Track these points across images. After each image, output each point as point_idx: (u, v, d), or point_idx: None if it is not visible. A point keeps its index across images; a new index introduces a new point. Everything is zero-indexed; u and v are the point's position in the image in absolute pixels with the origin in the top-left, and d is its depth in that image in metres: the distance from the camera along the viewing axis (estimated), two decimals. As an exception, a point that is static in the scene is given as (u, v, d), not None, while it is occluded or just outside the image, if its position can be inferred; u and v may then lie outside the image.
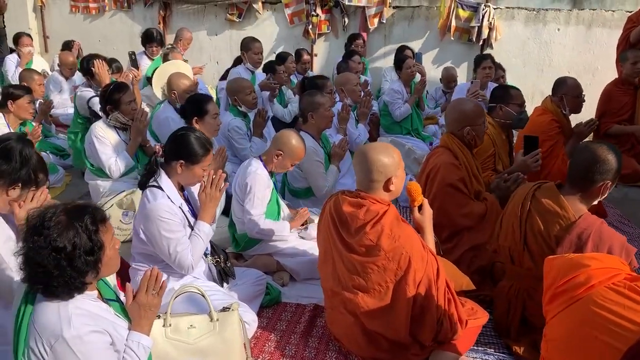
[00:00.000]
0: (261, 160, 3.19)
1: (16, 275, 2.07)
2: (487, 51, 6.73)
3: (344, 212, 2.36)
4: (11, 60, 6.74)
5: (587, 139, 4.18)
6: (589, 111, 4.52)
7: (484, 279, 2.97)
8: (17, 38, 6.82)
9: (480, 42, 6.88)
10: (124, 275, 2.54)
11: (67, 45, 7.00)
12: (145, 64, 6.05)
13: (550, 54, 6.85)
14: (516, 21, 6.85)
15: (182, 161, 2.52)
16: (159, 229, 2.41)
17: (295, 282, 3.19)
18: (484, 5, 6.71)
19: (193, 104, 3.60)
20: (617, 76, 5.30)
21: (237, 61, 6.16)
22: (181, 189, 2.63)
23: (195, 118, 3.53)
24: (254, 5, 7.58)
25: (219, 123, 3.67)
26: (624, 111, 5.07)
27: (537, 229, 2.42)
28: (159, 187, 2.49)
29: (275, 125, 5.05)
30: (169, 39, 7.23)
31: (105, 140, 3.76)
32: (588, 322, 1.61)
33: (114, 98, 3.74)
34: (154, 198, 2.44)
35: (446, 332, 2.31)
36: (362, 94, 4.81)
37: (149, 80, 5.41)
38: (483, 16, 6.71)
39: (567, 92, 3.87)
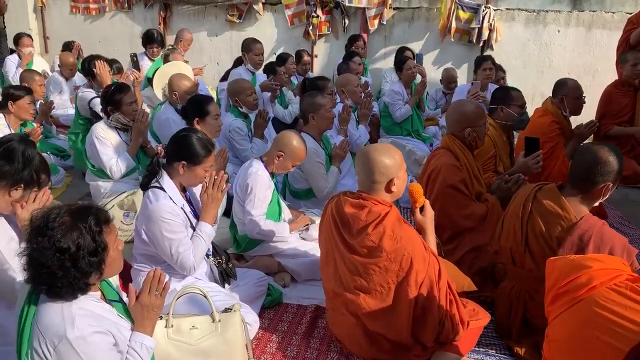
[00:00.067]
0: (262, 161, 3.20)
1: (18, 275, 2.08)
2: (488, 52, 6.74)
3: (345, 213, 2.36)
4: (12, 61, 6.75)
5: (587, 141, 4.19)
6: (589, 113, 4.53)
7: (485, 280, 2.97)
8: (18, 39, 6.82)
9: (481, 44, 6.89)
10: (125, 276, 2.54)
11: (68, 46, 7.01)
12: (145, 65, 6.06)
13: (550, 56, 6.86)
14: (516, 22, 6.86)
15: (184, 162, 2.52)
16: (161, 230, 2.41)
17: (296, 283, 3.19)
18: (484, 7, 6.71)
19: (194, 105, 3.61)
20: (617, 78, 5.30)
21: (237, 62, 6.17)
22: (183, 189, 2.63)
23: (197, 119, 3.54)
24: (254, 7, 7.59)
25: (220, 124, 3.68)
26: (624, 113, 5.07)
27: (539, 230, 2.43)
28: (161, 188, 2.49)
29: (275, 126, 5.06)
30: (169, 39, 7.23)
31: (106, 141, 3.76)
32: (590, 323, 1.62)
33: (115, 99, 3.74)
34: (156, 199, 2.44)
35: (448, 333, 2.31)
36: (363, 95, 4.82)
37: (149, 81, 5.42)
38: (483, 17, 6.72)
39: (567, 94, 3.88)
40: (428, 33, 7.17)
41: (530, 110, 4.01)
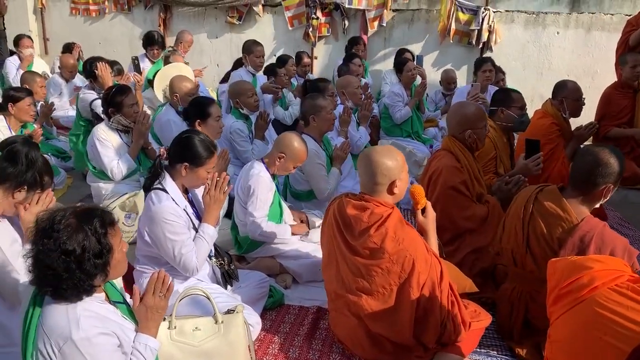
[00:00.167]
0: (263, 163, 3.21)
1: (22, 277, 2.09)
2: (487, 54, 6.76)
3: (347, 215, 2.37)
4: (12, 62, 6.76)
5: (587, 142, 4.20)
6: (588, 114, 4.55)
7: (486, 281, 2.98)
8: (18, 40, 6.83)
9: (480, 45, 6.92)
10: (128, 278, 2.55)
11: (68, 48, 7.01)
12: (146, 66, 6.07)
13: (549, 57, 6.88)
14: (516, 24, 6.88)
15: (186, 164, 2.53)
16: (163, 232, 2.42)
17: (297, 285, 3.20)
18: (484, 9, 6.74)
19: (196, 107, 3.62)
20: (616, 79, 5.32)
21: (237, 64, 6.18)
22: (185, 191, 2.64)
23: (198, 121, 3.54)
24: (254, 8, 7.61)
25: (221, 126, 3.69)
26: (623, 114, 5.09)
27: (540, 232, 2.44)
28: (164, 190, 2.50)
29: (276, 128, 5.07)
30: (169, 41, 7.25)
31: (107, 142, 3.76)
32: (592, 323, 1.63)
33: (117, 101, 3.75)
34: (159, 200, 2.45)
35: (450, 334, 2.32)
36: (363, 96, 4.83)
37: (150, 82, 5.42)
38: (483, 19, 6.75)
39: (567, 96, 3.90)
40: (428, 35, 7.20)
41: (529, 112, 4.03)
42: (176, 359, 2.14)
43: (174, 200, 2.49)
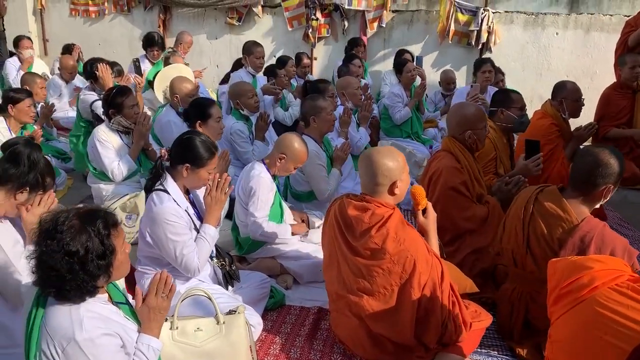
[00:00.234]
0: (264, 164, 3.21)
1: (24, 278, 2.09)
2: (486, 55, 6.78)
3: (349, 216, 2.38)
4: (12, 63, 6.76)
5: (586, 143, 4.21)
6: (587, 115, 4.56)
7: (486, 281, 2.99)
8: (18, 41, 6.83)
9: (480, 46, 6.93)
10: (129, 279, 2.55)
11: (68, 49, 7.02)
12: (146, 67, 6.07)
13: (548, 58, 6.90)
14: (515, 25, 6.90)
15: (187, 165, 2.53)
16: (165, 232, 2.42)
17: (298, 285, 3.21)
18: (483, 9, 6.76)
19: (196, 108, 3.62)
20: (615, 80, 5.34)
21: (236, 64, 6.19)
22: (186, 192, 2.65)
23: (199, 122, 3.55)
24: (254, 9, 7.62)
25: (222, 127, 3.69)
26: (622, 115, 5.10)
27: (540, 232, 2.45)
28: (165, 191, 2.50)
29: (276, 129, 5.08)
30: (169, 42, 7.26)
31: (108, 144, 3.77)
32: (592, 323, 1.63)
33: (117, 102, 3.75)
34: (160, 201, 2.45)
35: (451, 335, 2.33)
36: (363, 97, 4.84)
37: (150, 83, 5.43)
38: (482, 20, 6.76)
39: (566, 96, 3.91)
40: (427, 35, 7.21)
41: (529, 113, 4.04)
42: (178, 359, 2.15)
43: (175, 201, 2.49)
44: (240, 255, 3.35)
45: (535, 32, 6.85)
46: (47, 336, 1.61)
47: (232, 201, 3.41)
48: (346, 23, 7.35)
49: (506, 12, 6.90)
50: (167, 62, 5.69)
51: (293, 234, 3.31)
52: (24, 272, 2.11)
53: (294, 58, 6.32)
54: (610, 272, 1.72)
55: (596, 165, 2.32)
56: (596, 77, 6.63)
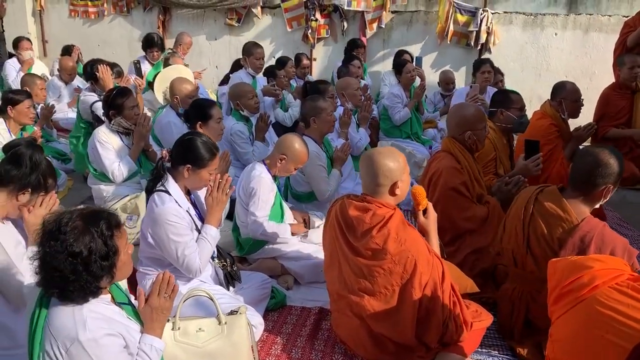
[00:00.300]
0: (264, 164, 3.22)
1: (26, 279, 2.10)
2: (485, 55, 6.79)
3: (350, 216, 2.39)
4: (11, 65, 6.75)
5: (585, 143, 4.23)
6: (586, 115, 4.57)
7: (486, 281, 3.00)
8: (17, 42, 6.82)
9: (479, 47, 6.95)
10: (131, 279, 2.55)
11: (67, 50, 7.01)
12: (145, 68, 6.08)
13: (547, 59, 6.92)
14: (514, 26, 6.92)
15: (189, 165, 2.54)
16: (167, 233, 2.43)
17: (299, 286, 3.21)
18: (482, 10, 6.77)
19: (197, 109, 3.63)
20: (614, 80, 5.35)
21: (235, 65, 6.20)
22: (188, 193, 2.66)
23: (200, 123, 3.56)
24: (253, 10, 7.63)
25: (222, 127, 3.70)
26: (621, 115, 5.12)
27: (540, 232, 2.46)
28: (167, 192, 2.51)
29: (276, 130, 5.09)
30: (168, 43, 7.26)
31: (108, 145, 3.77)
32: (593, 322, 1.64)
33: (117, 103, 3.76)
34: (162, 202, 2.46)
35: (452, 334, 2.34)
36: (363, 98, 4.85)
37: (150, 85, 5.44)
38: (481, 21, 6.78)
39: (565, 97, 3.93)
40: (426, 36, 7.23)
41: (528, 113, 4.05)
42: (180, 359, 2.15)
43: (176, 202, 2.50)
44: (241, 256, 3.35)
45: (534, 32, 6.87)
46: (51, 336, 1.61)
47: (232, 202, 3.42)
48: (345, 24, 7.36)
49: (505, 12, 6.92)
50: (166, 63, 5.70)
51: (292, 233, 3.32)
52: (26, 273, 2.11)
53: (293, 59, 6.33)
54: (610, 272, 1.73)
55: (596, 165, 2.34)
56: (595, 78, 6.65)
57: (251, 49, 5.54)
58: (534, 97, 6.76)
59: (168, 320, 2.13)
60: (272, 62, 6.51)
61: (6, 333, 2.18)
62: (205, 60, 8.04)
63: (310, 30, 7.41)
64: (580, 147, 3.92)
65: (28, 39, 7.05)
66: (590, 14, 6.69)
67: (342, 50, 7.01)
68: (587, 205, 2.42)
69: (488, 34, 6.85)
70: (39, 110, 5.00)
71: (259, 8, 7.63)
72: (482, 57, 6.65)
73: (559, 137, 3.91)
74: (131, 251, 1.79)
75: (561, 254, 2.33)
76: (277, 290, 3.03)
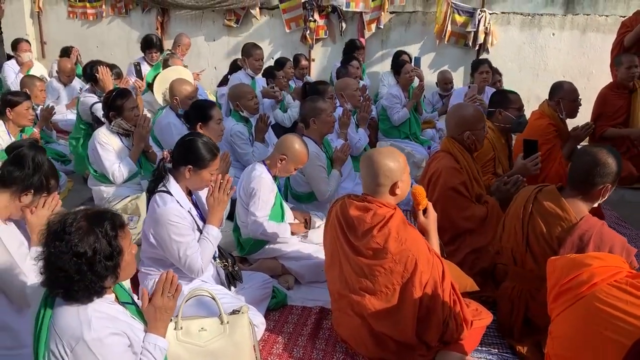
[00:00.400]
0: (265, 165, 3.24)
1: (29, 280, 2.11)
2: (483, 56, 6.81)
3: (350, 216, 2.41)
4: (10, 66, 6.75)
5: (583, 142, 4.25)
6: (584, 115, 4.60)
7: (486, 280, 3.01)
8: (16, 44, 6.82)
9: (477, 47, 6.97)
10: (133, 280, 2.57)
11: (66, 52, 7.02)
12: (144, 70, 6.09)
13: (545, 59, 6.95)
14: (512, 26, 6.94)
15: (190, 166, 2.56)
16: (169, 233, 2.44)
17: (300, 285, 3.23)
18: (480, 11, 6.79)
19: (197, 110, 3.65)
20: (611, 80, 5.38)
21: (233, 66, 6.21)
22: (189, 193, 2.67)
23: (200, 123, 3.57)
24: (252, 11, 7.64)
25: (222, 128, 3.71)
26: (618, 114, 5.15)
27: (539, 231, 2.48)
28: (168, 192, 2.52)
29: (275, 131, 5.10)
30: (167, 44, 7.26)
31: (108, 146, 3.78)
32: (592, 319, 1.66)
33: (117, 104, 3.77)
34: (164, 203, 2.47)
35: (452, 333, 2.36)
36: (361, 98, 4.87)
37: (150, 86, 5.45)
38: (479, 21, 6.80)
39: (563, 97, 3.95)
40: (425, 37, 7.24)
41: (526, 113, 4.08)
42: (183, 359, 2.16)
43: (178, 202, 2.52)
44: (241, 256, 3.37)
45: (532, 32, 6.90)
46: (56, 336, 1.63)
47: (233, 202, 3.43)
48: (344, 24, 7.38)
49: (503, 13, 6.94)
50: (165, 65, 5.70)
51: (292, 233, 3.33)
52: (29, 274, 2.13)
53: (292, 60, 6.34)
54: (609, 269, 1.74)
55: (594, 164, 2.36)
56: (592, 77, 6.67)
57: (250, 50, 5.56)
58: (532, 97, 6.79)
59: (171, 320, 2.15)
60: (271, 63, 6.52)
61: (9, 333, 2.19)
62: (203, 61, 8.05)
63: (308, 31, 7.42)
64: (579, 146, 3.94)
65: (27, 41, 7.04)
66: (587, 14, 6.72)
67: (341, 50, 7.02)
68: (586, 204, 2.44)
69: (486, 34, 6.87)
70: (38, 111, 5.00)
71: (258, 9, 7.63)
72: (480, 57, 6.67)
73: (557, 136, 3.94)
74: (135, 251, 1.81)
75: (560, 252, 2.35)
76: (278, 290, 3.04)
